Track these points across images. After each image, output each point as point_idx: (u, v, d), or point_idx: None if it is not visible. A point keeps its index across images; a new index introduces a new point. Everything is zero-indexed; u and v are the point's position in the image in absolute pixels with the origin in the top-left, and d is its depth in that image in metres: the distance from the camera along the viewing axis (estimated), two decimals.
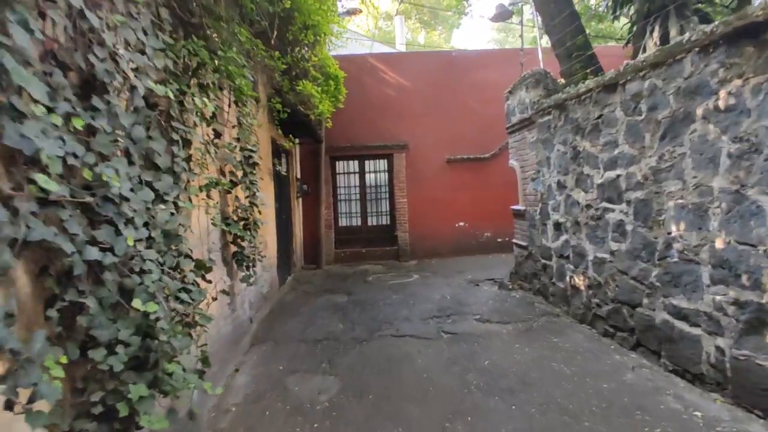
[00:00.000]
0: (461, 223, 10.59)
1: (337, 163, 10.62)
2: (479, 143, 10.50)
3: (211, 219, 2.96)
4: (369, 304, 6.34)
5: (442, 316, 5.54)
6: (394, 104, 10.51)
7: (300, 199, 9.94)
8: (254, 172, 4.16)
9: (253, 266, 4.25)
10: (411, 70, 10.61)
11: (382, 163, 10.74)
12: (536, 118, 5.74)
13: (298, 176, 9.85)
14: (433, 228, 10.47)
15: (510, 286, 6.67)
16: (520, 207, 6.47)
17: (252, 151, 4.12)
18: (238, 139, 4.13)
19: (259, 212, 4.31)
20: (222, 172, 3.24)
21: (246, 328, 4.87)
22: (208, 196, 2.91)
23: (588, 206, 4.65)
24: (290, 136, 7.01)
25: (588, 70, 5.77)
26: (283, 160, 8.62)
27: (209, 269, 2.80)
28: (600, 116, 4.36)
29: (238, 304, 4.56)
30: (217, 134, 3.11)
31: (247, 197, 4.20)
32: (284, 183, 8.46)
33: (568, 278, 5.15)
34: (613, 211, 4.23)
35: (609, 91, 4.20)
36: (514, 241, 6.81)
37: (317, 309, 6.19)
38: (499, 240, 10.57)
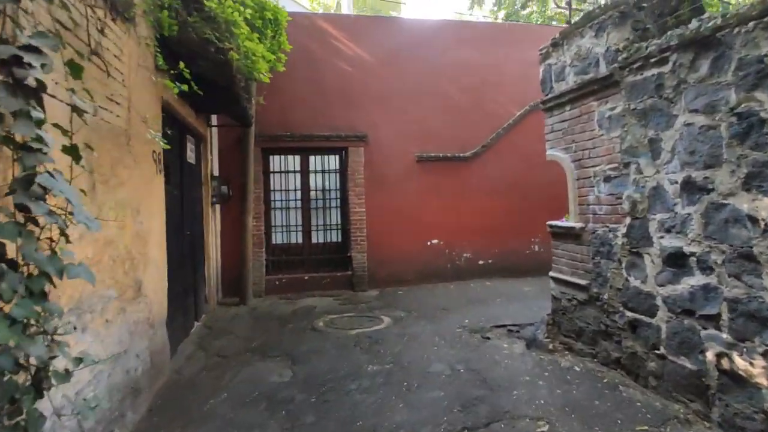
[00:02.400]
0: (434, 241, 8.16)
1: (271, 157, 7.76)
2: (457, 139, 8.18)
3: None
4: (330, 387, 3.64)
5: (476, 427, 2.98)
6: (350, 83, 7.89)
7: (217, 206, 6.98)
8: (29, 111, 1.37)
9: (32, 401, 1.43)
10: (372, 40, 8.05)
11: (333, 160, 8.06)
12: (624, 76, 3.44)
13: (216, 173, 6.90)
14: (398, 247, 7.94)
15: (549, 346, 4.29)
16: (570, 223, 4.14)
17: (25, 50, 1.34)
18: None
19: (65, 238, 1.51)
20: None
21: None
22: None
23: None
24: (192, 84, 3.94)
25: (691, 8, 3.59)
26: (190, 148, 5.67)
27: None
28: None
29: None
30: None
31: (7, 194, 1.40)
32: (191, 181, 5.52)
33: (710, 356, 2.84)
34: None
35: None
36: (552, 274, 4.45)
37: (237, 404, 3.38)
38: (480, 263, 8.28)
